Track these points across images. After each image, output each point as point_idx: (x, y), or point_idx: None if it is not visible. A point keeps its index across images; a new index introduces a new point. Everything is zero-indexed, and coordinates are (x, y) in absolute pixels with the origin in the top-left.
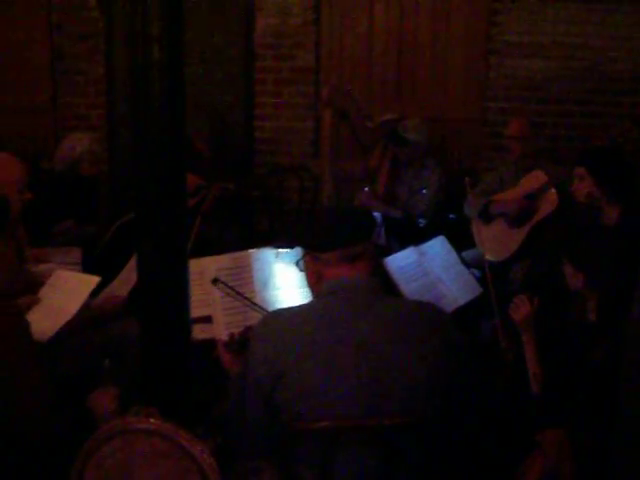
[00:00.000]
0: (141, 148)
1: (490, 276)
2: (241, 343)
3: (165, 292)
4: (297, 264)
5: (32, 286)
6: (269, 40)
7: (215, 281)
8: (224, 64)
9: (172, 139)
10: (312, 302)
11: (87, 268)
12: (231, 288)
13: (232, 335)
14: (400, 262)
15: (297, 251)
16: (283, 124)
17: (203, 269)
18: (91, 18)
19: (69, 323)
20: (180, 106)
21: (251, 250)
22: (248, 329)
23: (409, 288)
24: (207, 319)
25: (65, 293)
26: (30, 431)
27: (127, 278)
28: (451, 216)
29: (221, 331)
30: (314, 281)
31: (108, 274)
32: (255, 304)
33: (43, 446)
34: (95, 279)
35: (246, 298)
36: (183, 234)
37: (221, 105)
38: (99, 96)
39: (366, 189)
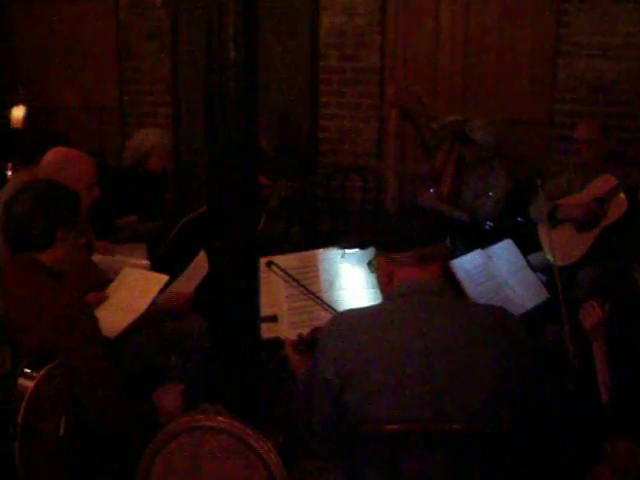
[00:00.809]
0: (215, 147)
1: (560, 281)
2: (309, 343)
3: (236, 290)
4: (369, 265)
5: (101, 283)
6: (334, 40)
7: (269, 264)
8: (289, 64)
9: (246, 138)
10: (382, 303)
11: (152, 264)
12: (285, 272)
13: (300, 335)
14: (467, 265)
15: (364, 252)
16: (347, 124)
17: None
18: (158, 17)
19: (137, 321)
20: (253, 105)
21: (318, 250)
22: (316, 330)
23: (476, 291)
24: (272, 318)
25: (134, 291)
26: (99, 425)
27: (193, 275)
28: (518, 219)
29: (286, 330)
30: (386, 282)
31: (173, 271)
32: (308, 290)
33: (111, 441)
34: (164, 278)
35: (302, 286)
36: (255, 232)
37: (286, 104)
38: (165, 94)
39: (431, 190)
